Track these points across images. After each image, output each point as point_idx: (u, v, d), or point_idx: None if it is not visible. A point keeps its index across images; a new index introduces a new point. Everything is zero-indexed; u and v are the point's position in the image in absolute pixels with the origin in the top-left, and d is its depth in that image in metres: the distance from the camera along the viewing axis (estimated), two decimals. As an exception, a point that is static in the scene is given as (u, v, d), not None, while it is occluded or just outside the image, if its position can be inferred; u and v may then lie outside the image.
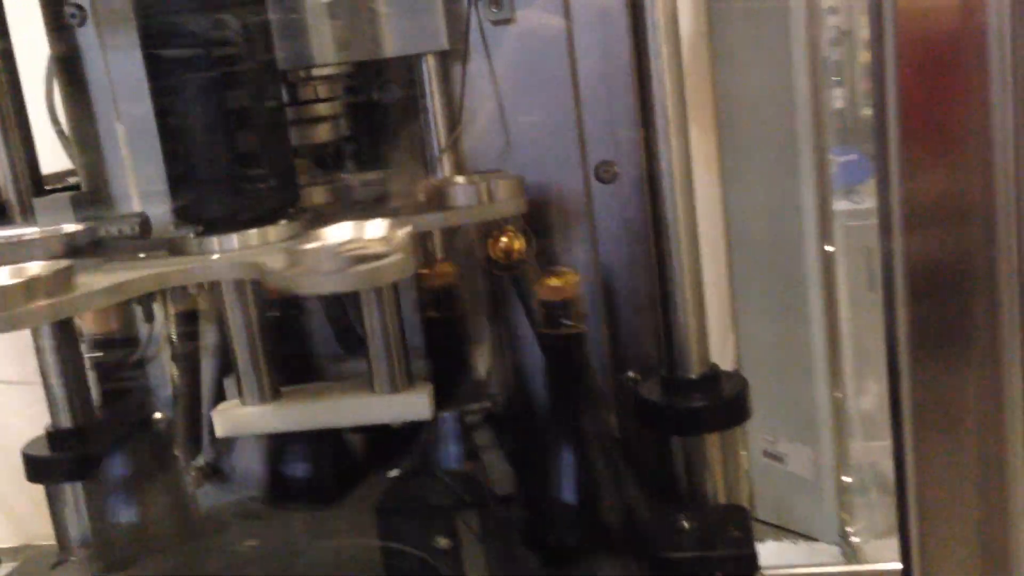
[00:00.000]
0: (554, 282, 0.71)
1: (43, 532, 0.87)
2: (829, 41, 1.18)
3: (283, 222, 0.69)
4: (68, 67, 0.81)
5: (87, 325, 0.82)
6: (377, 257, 0.56)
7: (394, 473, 0.76)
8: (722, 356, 1.05)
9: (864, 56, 1.24)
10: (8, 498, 1.22)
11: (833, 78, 1.19)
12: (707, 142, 1.10)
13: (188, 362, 0.80)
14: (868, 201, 1.18)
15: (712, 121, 1.10)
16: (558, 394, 0.74)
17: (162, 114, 0.66)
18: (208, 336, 0.78)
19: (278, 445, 0.80)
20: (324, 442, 0.79)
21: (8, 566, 0.90)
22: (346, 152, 0.80)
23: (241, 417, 0.71)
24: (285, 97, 0.73)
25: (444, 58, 0.77)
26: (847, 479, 1.12)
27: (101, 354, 0.83)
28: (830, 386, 1.10)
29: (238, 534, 0.80)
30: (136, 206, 0.80)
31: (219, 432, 0.72)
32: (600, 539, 0.73)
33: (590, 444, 0.73)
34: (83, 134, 0.82)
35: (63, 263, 0.59)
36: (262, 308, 0.69)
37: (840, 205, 1.12)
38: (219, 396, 0.78)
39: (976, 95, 0.42)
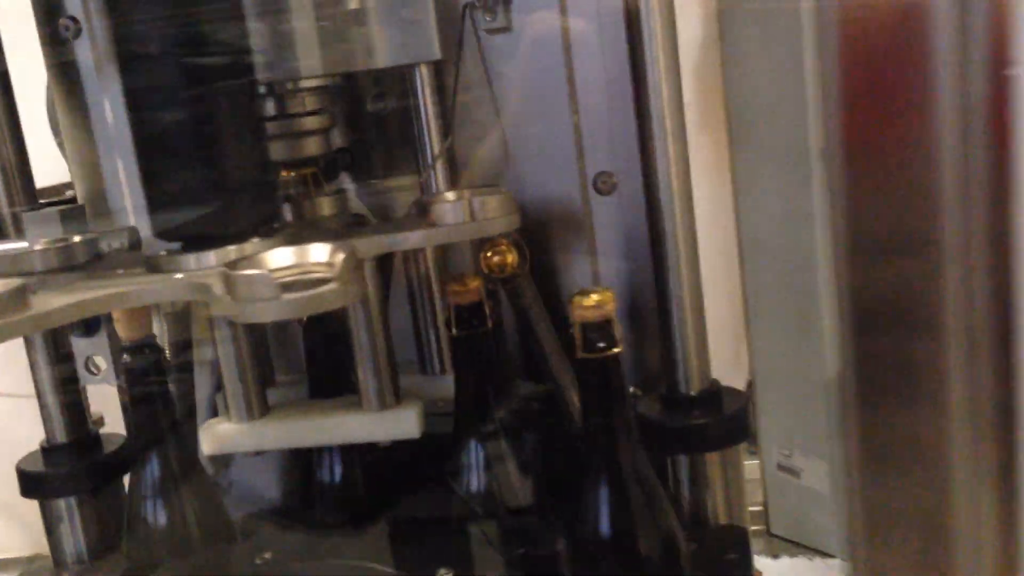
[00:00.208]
0: (593, 299, 0.63)
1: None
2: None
3: (254, 240, 0.66)
4: (64, 80, 0.80)
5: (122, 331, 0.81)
6: (317, 283, 0.55)
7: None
8: (736, 367, 1.03)
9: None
10: (19, 508, 1.22)
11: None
12: (719, 150, 1.08)
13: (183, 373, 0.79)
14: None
15: (724, 128, 1.08)
16: (598, 422, 0.66)
17: (137, 130, 0.65)
18: (204, 351, 0.77)
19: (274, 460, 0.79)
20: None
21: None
22: (340, 164, 0.79)
23: (228, 434, 0.70)
24: (273, 110, 0.72)
25: (438, 68, 0.75)
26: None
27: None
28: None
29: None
30: (131, 221, 0.79)
31: (206, 449, 0.71)
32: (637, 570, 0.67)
33: (632, 478, 0.66)
34: (79, 148, 0.81)
35: (16, 282, 0.58)
36: (250, 325, 0.68)
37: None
38: (212, 412, 0.77)
39: (922, 127, 0.40)
